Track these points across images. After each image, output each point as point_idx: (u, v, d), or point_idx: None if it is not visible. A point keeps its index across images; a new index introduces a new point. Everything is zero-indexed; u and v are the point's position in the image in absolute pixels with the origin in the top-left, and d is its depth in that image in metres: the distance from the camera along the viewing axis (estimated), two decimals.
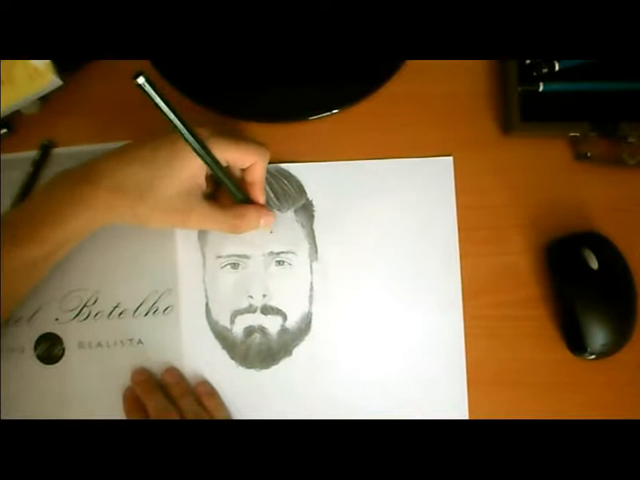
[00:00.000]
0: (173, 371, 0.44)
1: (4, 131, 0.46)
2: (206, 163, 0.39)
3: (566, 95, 0.46)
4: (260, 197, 0.42)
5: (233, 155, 0.40)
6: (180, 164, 0.38)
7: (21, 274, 0.39)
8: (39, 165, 0.46)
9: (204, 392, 0.44)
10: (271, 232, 0.45)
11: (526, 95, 0.46)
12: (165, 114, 0.36)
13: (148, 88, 0.35)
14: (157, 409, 0.42)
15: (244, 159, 0.40)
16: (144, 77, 0.34)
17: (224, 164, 0.40)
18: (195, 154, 0.38)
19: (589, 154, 0.46)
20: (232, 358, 0.45)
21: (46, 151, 0.46)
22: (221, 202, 0.42)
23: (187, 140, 0.37)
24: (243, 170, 0.42)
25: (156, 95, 0.35)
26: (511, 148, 0.47)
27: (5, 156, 0.46)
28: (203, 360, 0.45)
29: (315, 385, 0.45)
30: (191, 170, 0.39)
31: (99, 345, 0.45)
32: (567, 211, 0.46)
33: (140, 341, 0.45)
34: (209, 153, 0.38)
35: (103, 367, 0.45)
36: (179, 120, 0.36)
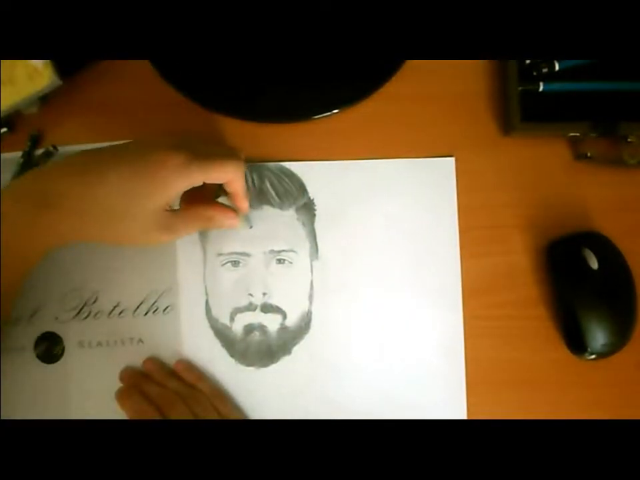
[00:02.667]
0: (153, 361, 0.44)
1: (4, 130, 0.46)
2: None
3: (566, 94, 0.46)
4: (242, 206, 0.42)
5: (211, 177, 0.38)
6: (163, 189, 0.37)
7: None
8: (29, 154, 0.46)
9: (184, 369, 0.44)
10: (250, 227, 0.45)
11: (526, 94, 0.46)
12: None
13: None
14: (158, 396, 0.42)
15: (221, 177, 0.39)
16: None
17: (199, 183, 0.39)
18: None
19: (589, 154, 0.46)
20: (231, 356, 0.45)
21: (35, 142, 0.46)
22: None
23: None
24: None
25: None
26: (511, 148, 0.47)
27: (4, 155, 0.46)
28: (202, 358, 0.45)
29: (313, 384, 0.45)
30: (172, 194, 0.38)
31: (99, 344, 0.45)
32: (567, 211, 0.46)
33: (140, 340, 0.45)
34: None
35: (103, 366, 0.44)
36: None
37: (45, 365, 0.45)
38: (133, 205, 0.37)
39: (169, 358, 0.45)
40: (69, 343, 0.45)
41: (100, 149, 0.39)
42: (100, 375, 0.44)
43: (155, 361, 0.45)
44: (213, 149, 0.40)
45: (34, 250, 0.37)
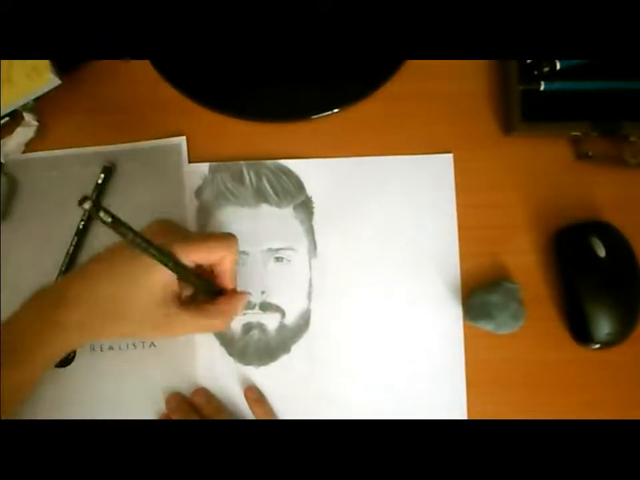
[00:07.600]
0: (201, 391, 0.44)
1: (6, 119, 0.46)
2: (172, 270, 0.36)
3: (567, 94, 0.46)
4: (229, 285, 0.40)
5: (199, 256, 0.38)
6: (145, 278, 0.36)
7: (4, 396, 0.36)
8: None
9: (253, 398, 0.44)
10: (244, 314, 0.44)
11: (527, 94, 0.46)
12: (120, 233, 0.33)
13: (101, 213, 0.31)
14: None
15: (211, 256, 0.39)
16: (89, 202, 0.30)
17: (191, 265, 0.38)
18: (159, 264, 0.35)
19: (590, 153, 0.46)
20: (230, 354, 0.45)
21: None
22: (198, 300, 0.41)
23: (148, 253, 0.34)
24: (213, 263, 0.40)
25: (107, 216, 0.31)
26: (511, 147, 0.47)
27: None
28: (202, 357, 0.45)
29: (312, 382, 0.44)
30: (159, 281, 0.37)
31: (111, 347, 0.45)
32: (567, 211, 0.46)
33: (152, 344, 0.45)
34: (172, 260, 0.36)
35: (114, 370, 0.45)
36: (137, 235, 0.33)
37: (56, 369, 0.44)
38: (126, 296, 0.36)
39: (182, 362, 0.45)
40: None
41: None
42: (111, 379, 0.44)
43: (202, 393, 0.44)
44: (202, 234, 0.41)
45: (54, 345, 0.37)
